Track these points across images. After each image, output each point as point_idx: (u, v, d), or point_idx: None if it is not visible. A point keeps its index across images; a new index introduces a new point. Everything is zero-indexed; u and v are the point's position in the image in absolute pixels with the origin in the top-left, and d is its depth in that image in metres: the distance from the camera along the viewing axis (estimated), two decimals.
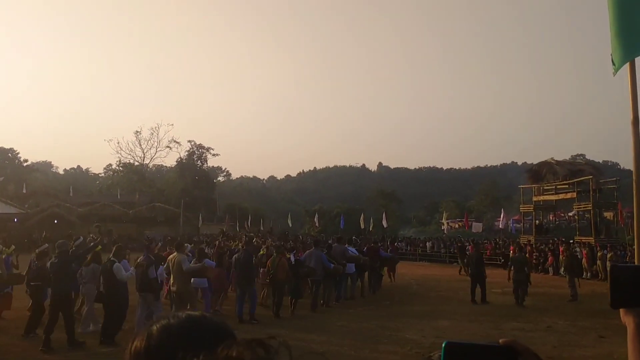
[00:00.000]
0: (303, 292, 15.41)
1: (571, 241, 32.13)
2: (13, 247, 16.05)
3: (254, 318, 13.19)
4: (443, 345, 0.90)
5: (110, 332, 10.55)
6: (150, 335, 1.00)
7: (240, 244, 18.44)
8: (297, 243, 24.62)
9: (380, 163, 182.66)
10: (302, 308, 14.88)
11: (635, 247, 3.54)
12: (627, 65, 3.78)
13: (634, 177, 3.34)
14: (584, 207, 35.44)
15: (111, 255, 11.31)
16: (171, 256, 12.58)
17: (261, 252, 17.74)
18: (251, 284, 13.71)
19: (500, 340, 0.91)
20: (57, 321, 10.26)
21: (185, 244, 16.35)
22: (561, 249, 28.23)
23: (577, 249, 27.54)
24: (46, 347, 9.93)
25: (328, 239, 23.33)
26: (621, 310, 1.25)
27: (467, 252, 30.56)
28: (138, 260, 12.06)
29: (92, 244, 13.07)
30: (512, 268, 17.61)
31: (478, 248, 20.93)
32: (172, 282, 12.33)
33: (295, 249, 19.28)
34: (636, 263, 3.54)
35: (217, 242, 22.57)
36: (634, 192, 3.32)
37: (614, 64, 3.89)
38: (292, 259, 15.85)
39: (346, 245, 18.21)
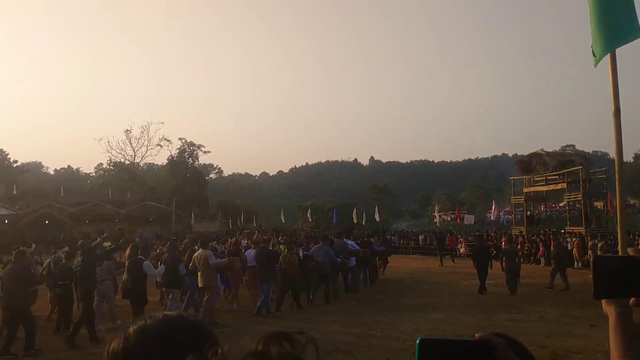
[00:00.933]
0: (312, 287, 15.76)
1: (562, 231, 32.35)
2: (34, 246, 16.38)
3: (260, 312, 13.45)
4: (417, 341, 0.87)
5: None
6: (127, 337, 1.00)
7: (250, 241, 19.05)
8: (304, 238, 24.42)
9: (372, 157, 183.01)
10: (291, 304, 15.01)
11: (619, 235, 3.58)
12: (607, 57, 3.81)
13: (616, 167, 3.39)
14: (574, 198, 35.66)
15: (133, 253, 11.94)
16: (197, 252, 12.92)
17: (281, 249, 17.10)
18: (269, 280, 14.05)
19: (476, 335, 0.90)
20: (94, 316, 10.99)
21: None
22: (552, 241, 28.39)
23: (568, 239, 27.72)
24: (70, 342, 10.25)
25: (321, 234, 23.22)
26: (603, 300, 1.26)
27: (445, 244, 31.23)
28: (164, 258, 12.71)
29: (120, 242, 13.66)
30: (503, 259, 18.00)
31: (510, 240, 21.10)
32: (199, 277, 12.61)
33: (305, 243, 19.20)
34: (620, 251, 3.58)
35: (235, 239, 22.72)
36: (617, 181, 3.36)
37: (594, 55, 3.93)
38: (301, 253, 16.03)
39: (344, 240, 18.54)
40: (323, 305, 15.34)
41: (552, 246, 27.39)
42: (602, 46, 3.90)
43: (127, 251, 12.43)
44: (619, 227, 3.53)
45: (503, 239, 26.90)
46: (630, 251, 1.21)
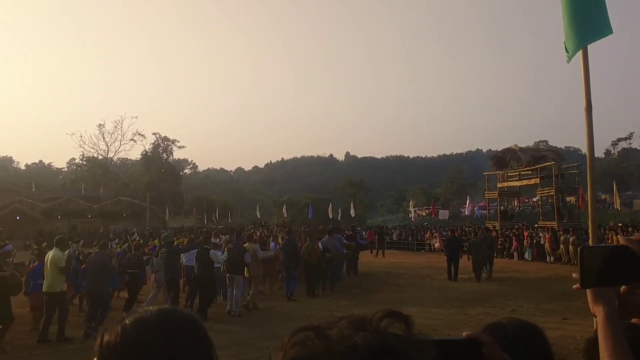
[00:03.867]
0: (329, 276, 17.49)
1: (535, 225, 32.75)
2: (82, 241, 17.61)
3: (292, 295, 15.23)
4: None
5: (204, 307, 12.51)
6: (125, 330, 1.01)
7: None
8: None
9: (347, 153, 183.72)
10: (273, 299, 15.29)
11: (590, 228, 3.63)
12: (580, 53, 3.86)
13: (587, 162, 3.43)
14: (547, 193, 36.14)
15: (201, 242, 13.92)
16: (246, 245, 14.35)
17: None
18: (297, 268, 15.79)
19: (464, 334, 0.90)
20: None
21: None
22: (525, 234, 28.76)
23: (541, 234, 28.07)
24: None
25: (328, 228, 23.68)
26: (590, 300, 1.27)
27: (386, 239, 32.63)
28: (229, 246, 14.56)
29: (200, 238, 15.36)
30: (470, 252, 20.10)
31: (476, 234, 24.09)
32: (245, 268, 14.00)
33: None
34: (590, 244, 3.63)
35: (259, 233, 24.21)
36: (588, 176, 3.41)
37: (567, 51, 3.97)
38: (320, 246, 17.29)
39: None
40: (295, 300, 15.31)
41: (525, 240, 27.94)
42: (575, 42, 3.95)
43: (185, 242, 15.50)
44: (589, 221, 3.58)
45: (478, 234, 27.15)
46: (621, 240, 1.23)
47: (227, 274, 13.70)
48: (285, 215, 61.79)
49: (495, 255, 25.68)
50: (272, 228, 34.91)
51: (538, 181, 36.32)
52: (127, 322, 1.02)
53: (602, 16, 3.98)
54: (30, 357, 9.60)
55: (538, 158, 36.74)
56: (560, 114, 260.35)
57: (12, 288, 10.14)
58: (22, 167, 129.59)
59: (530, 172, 37.14)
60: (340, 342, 0.70)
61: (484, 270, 19.86)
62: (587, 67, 3.72)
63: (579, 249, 1.28)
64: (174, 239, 16.64)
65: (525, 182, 38.67)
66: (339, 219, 51.26)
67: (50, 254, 11.07)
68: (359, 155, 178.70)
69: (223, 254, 14.13)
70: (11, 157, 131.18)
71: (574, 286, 1.29)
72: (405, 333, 0.73)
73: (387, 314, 0.76)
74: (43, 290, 10.75)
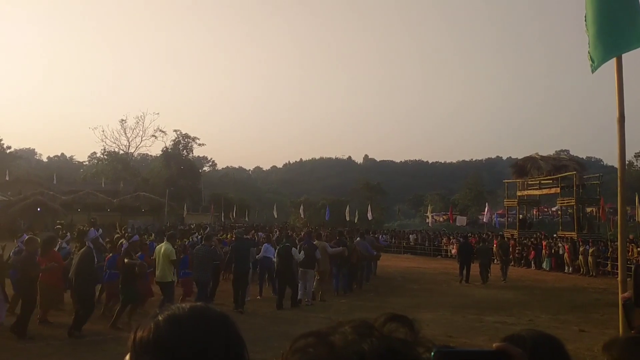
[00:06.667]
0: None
1: (554, 235, 32.42)
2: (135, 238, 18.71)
3: (350, 289, 17.16)
4: (432, 354, 0.79)
5: (293, 297, 14.30)
6: (158, 326, 1.02)
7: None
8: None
9: (366, 155, 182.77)
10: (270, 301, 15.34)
11: (619, 242, 3.58)
12: (613, 63, 3.80)
13: (619, 175, 3.37)
14: (567, 203, 35.74)
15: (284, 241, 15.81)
16: (316, 242, 15.64)
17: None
18: (346, 265, 17.17)
19: (494, 345, 0.86)
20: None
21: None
22: (544, 243, 28.49)
23: (560, 244, 27.78)
24: (241, 308, 13.10)
25: (359, 230, 24.23)
26: None
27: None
28: (301, 244, 15.70)
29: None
30: (477, 256, 21.45)
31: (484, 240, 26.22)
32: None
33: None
34: (619, 258, 3.58)
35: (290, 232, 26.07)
36: (619, 188, 3.35)
37: (592, 61, 3.91)
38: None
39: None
40: (312, 303, 15.34)
41: (543, 250, 27.66)
42: (603, 52, 3.87)
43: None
44: (619, 234, 3.52)
45: (495, 242, 26.96)
46: None
47: (301, 269, 14.89)
48: (303, 216, 61.75)
49: (511, 262, 25.63)
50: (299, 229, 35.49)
51: (558, 191, 35.93)
52: (159, 318, 1.03)
53: (634, 27, 3.90)
54: (105, 343, 9.94)
55: (559, 167, 36.37)
56: (582, 125, 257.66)
57: (138, 275, 11.40)
58: (44, 159, 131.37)
59: (551, 181, 36.77)
60: (345, 348, 0.68)
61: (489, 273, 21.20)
62: (620, 77, 3.65)
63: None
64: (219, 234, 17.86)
65: (545, 191, 38.30)
66: (355, 221, 51.12)
67: (162, 248, 12.43)
68: (378, 159, 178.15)
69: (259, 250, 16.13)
70: (34, 149, 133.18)
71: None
72: (411, 337, 0.72)
73: (390, 317, 0.74)
74: (155, 280, 12.32)
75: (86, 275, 10.47)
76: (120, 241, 14.13)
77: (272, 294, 15.78)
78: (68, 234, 20.01)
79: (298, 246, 15.60)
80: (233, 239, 16.69)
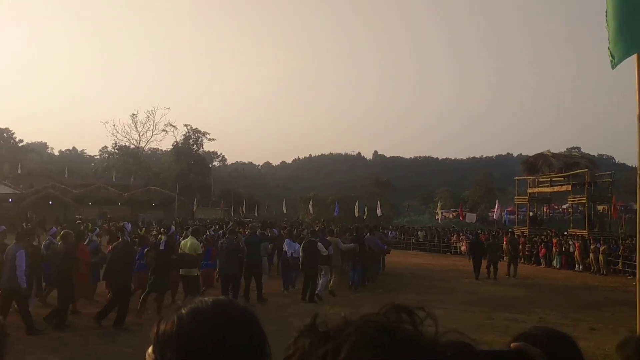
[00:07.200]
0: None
1: (565, 233, 32.26)
2: (172, 229, 19.47)
3: (363, 285, 17.57)
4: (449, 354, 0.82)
5: (312, 292, 14.57)
6: (181, 320, 1.02)
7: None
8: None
9: (375, 151, 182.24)
10: (278, 296, 15.39)
11: (637, 241, 3.54)
12: (633, 60, 3.74)
13: (638, 172, 3.32)
14: (578, 200, 35.48)
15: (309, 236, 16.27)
16: (329, 238, 16.11)
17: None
18: (361, 260, 17.52)
19: (512, 345, 0.87)
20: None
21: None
22: (554, 241, 28.34)
23: (570, 242, 27.64)
24: (261, 299, 13.89)
25: (370, 226, 24.11)
26: None
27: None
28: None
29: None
30: (487, 252, 21.47)
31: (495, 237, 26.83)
32: None
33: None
34: (637, 257, 3.53)
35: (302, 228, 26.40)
36: (638, 185, 3.31)
37: (612, 57, 3.86)
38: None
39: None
40: (320, 299, 15.38)
41: (554, 247, 27.55)
42: (624, 48, 3.81)
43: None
44: (638, 233, 3.47)
45: (505, 239, 26.85)
46: None
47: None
48: (312, 211, 61.83)
49: (521, 260, 25.55)
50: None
51: (570, 188, 35.64)
52: (183, 311, 1.03)
53: None
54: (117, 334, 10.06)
55: (571, 165, 36.06)
56: (594, 121, 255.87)
57: (179, 263, 12.03)
58: (56, 153, 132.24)
59: (562, 178, 36.48)
60: (355, 345, 0.67)
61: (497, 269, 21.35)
62: None
63: None
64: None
65: (556, 189, 37.99)
66: (364, 217, 51.10)
67: (188, 242, 12.67)
68: (387, 155, 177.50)
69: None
70: (45, 143, 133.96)
71: None
72: (417, 328, 0.71)
73: (395, 308, 0.74)
74: (180, 273, 12.26)
75: (126, 267, 10.98)
76: (159, 237, 14.45)
77: (282, 289, 15.98)
78: (97, 228, 20.12)
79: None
80: (247, 233, 16.79)
